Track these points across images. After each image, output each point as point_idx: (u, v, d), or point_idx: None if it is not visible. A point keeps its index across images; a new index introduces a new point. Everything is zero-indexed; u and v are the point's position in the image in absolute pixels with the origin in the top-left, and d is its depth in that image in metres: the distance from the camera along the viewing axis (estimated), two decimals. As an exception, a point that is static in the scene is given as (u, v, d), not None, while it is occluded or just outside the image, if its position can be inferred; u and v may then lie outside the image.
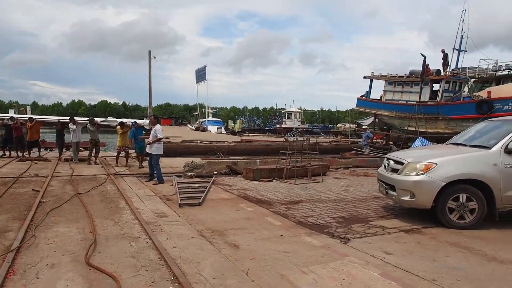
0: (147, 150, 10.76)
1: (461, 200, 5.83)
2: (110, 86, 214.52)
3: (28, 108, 42.38)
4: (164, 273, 4.06)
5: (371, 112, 27.59)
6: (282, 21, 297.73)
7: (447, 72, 23.01)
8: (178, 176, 11.28)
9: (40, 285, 3.76)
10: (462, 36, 23.72)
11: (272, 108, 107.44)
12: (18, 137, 16.20)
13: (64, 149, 16.38)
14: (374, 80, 27.02)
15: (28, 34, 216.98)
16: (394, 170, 6.47)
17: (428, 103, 22.42)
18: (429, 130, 21.17)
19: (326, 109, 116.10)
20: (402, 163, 6.31)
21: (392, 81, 25.26)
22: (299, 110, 59.71)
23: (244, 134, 51.42)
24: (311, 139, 12.20)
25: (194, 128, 56.46)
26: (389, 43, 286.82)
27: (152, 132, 10.59)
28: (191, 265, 4.28)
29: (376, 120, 26.82)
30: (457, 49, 24.10)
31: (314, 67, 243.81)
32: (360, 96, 28.42)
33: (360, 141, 22.94)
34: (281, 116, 65.28)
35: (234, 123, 65.23)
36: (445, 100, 22.15)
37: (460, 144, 6.87)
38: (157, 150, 10.36)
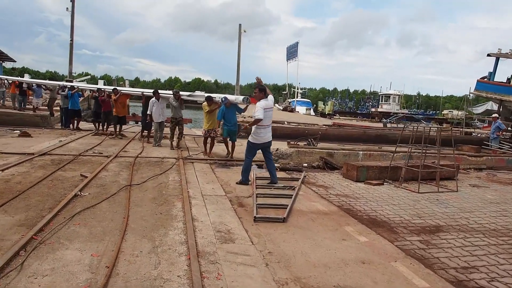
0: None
1: None
2: (204, 64, 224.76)
3: (127, 82, 42.12)
4: None
5: (495, 97, 22.50)
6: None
7: None
8: (259, 167, 8.94)
9: None
10: None
11: (363, 90, 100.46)
12: (106, 112, 14.61)
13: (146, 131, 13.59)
14: (500, 60, 21.73)
15: (136, 15, 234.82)
16: None
17: None
18: None
19: (424, 94, 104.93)
20: None
21: None
22: (398, 93, 53.49)
23: (334, 117, 47.80)
24: (417, 127, 8.48)
25: (281, 108, 54.38)
26: (501, 23, 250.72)
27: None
28: None
29: (501, 108, 21.60)
30: None
31: (412, 49, 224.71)
32: (481, 78, 23.43)
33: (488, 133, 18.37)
34: (377, 99, 59.56)
35: (325, 104, 61.23)
36: None
37: None
38: (251, 136, 7.29)
